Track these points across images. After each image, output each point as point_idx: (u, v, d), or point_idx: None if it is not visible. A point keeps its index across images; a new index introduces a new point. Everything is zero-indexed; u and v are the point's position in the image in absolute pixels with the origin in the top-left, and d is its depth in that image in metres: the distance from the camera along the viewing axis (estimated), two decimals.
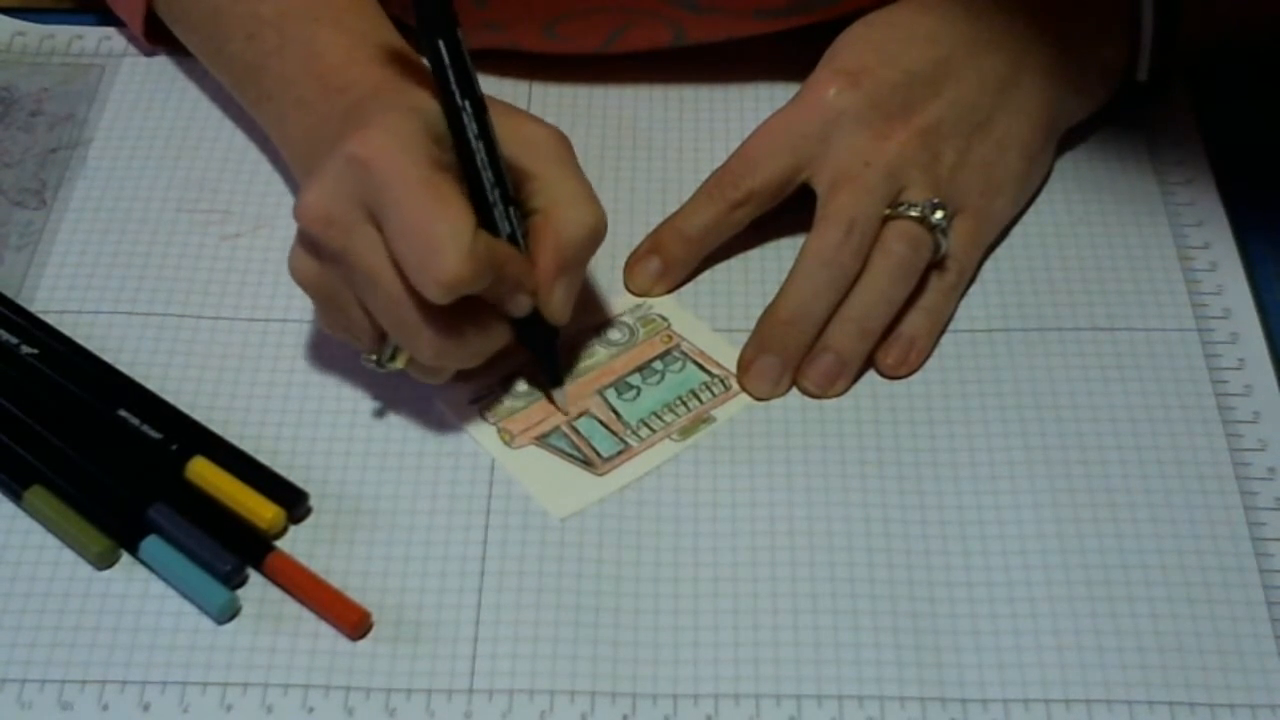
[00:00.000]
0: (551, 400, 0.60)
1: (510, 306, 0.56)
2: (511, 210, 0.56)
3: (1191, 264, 0.65)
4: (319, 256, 0.56)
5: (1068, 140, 0.68)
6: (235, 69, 0.65)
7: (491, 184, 0.55)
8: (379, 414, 0.60)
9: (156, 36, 0.72)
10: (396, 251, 0.53)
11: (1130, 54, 0.66)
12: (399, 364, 0.57)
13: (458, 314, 0.55)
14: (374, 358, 0.57)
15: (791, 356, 0.60)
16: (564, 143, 0.58)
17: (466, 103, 0.54)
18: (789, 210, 0.63)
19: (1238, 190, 0.67)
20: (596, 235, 0.57)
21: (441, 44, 0.54)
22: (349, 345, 0.59)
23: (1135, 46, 0.66)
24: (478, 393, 0.60)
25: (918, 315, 0.61)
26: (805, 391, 0.60)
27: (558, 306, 0.57)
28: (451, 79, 0.54)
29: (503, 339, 0.57)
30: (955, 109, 0.62)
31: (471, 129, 0.55)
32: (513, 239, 0.56)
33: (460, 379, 0.60)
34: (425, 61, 0.55)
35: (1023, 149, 0.64)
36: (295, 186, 0.68)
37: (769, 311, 0.61)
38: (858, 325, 0.60)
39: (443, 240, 0.52)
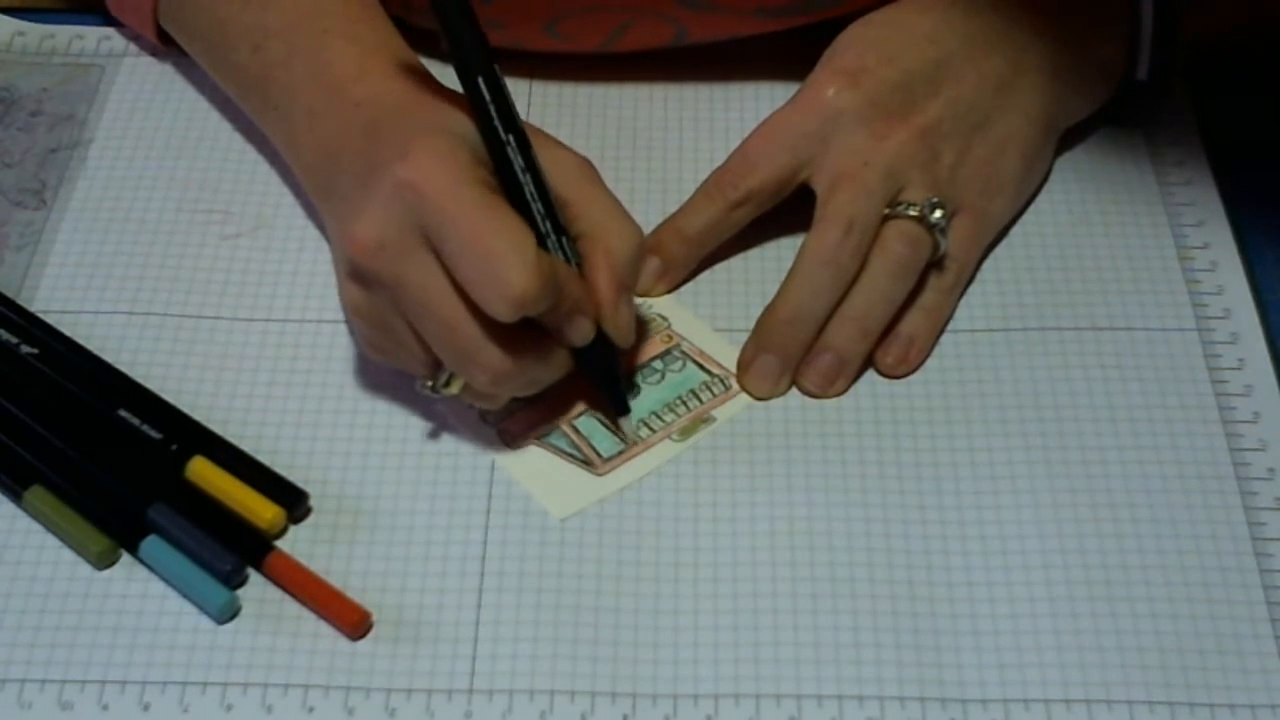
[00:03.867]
0: (618, 432, 0.59)
1: (571, 332, 0.56)
2: (564, 239, 0.56)
3: (1191, 264, 0.65)
4: (369, 285, 0.55)
5: (1067, 140, 0.68)
6: (240, 79, 0.65)
7: (542, 215, 0.55)
8: (379, 414, 0.60)
9: (167, 41, 0.72)
10: (459, 272, 0.53)
11: (1130, 53, 0.66)
12: (454, 389, 0.56)
13: (515, 340, 0.54)
14: (429, 384, 0.57)
15: (791, 356, 0.60)
16: (591, 166, 0.58)
17: (511, 137, 0.54)
18: (789, 210, 0.63)
19: (1238, 190, 0.67)
20: (642, 254, 0.58)
21: (481, 81, 0.54)
22: (394, 368, 0.58)
23: (1135, 46, 0.66)
24: None
25: (917, 315, 0.61)
26: (805, 391, 0.60)
27: (623, 326, 0.57)
28: (494, 114, 0.54)
29: (562, 368, 0.57)
30: (954, 109, 0.62)
31: (518, 162, 0.55)
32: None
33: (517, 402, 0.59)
34: (442, 75, 0.55)
35: (1022, 148, 0.64)
36: (297, 189, 0.68)
37: (768, 311, 0.61)
38: (858, 325, 0.60)
39: (508, 257, 0.52)
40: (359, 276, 0.55)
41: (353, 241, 0.54)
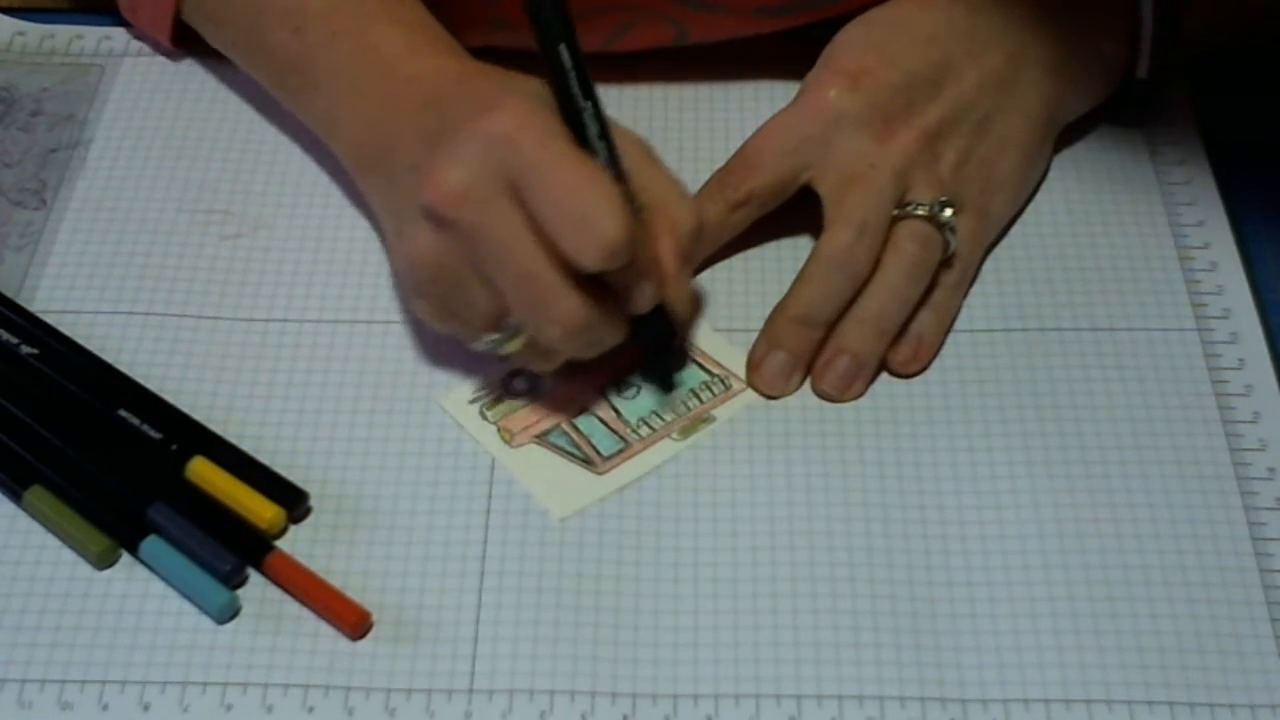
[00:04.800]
0: (663, 404, 0.60)
1: (637, 296, 0.56)
2: (632, 208, 0.56)
3: (1191, 264, 0.65)
4: (446, 235, 0.55)
5: (1067, 140, 0.68)
6: (278, 61, 0.65)
7: (614, 183, 0.55)
8: (379, 414, 0.60)
9: (178, 41, 0.72)
10: (548, 221, 0.53)
11: (1130, 51, 0.66)
12: (515, 346, 0.57)
13: (589, 295, 0.55)
14: (494, 336, 0.57)
15: (802, 355, 0.60)
16: (646, 144, 0.59)
17: (589, 104, 0.55)
18: (789, 211, 0.63)
19: (1238, 190, 0.67)
20: (700, 231, 0.58)
21: (563, 48, 0.55)
22: (451, 334, 0.59)
23: (1135, 43, 0.66)
24: (478, 392, 0.61)
25: (926, 313, 0.61)
26: (823, 395, 0.60)
27: (684, 296, 0.58)
28: (574, 81, 0.55)
29: (621, 334, 0.57)
30: (955, 109, 0.62)
31: (593, 129, 0.55)
32: None
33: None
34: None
35: (1022, 146, 0.64)
36: (297, 188, 0.68)
37: (779, 310, 0.61)
38: (873, 326, 0.60)
39: (602, 206, 0.53)
40: (436, 225, 0.55)
41: (437, 190, 0.54)
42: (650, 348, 0.60)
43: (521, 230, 0.54)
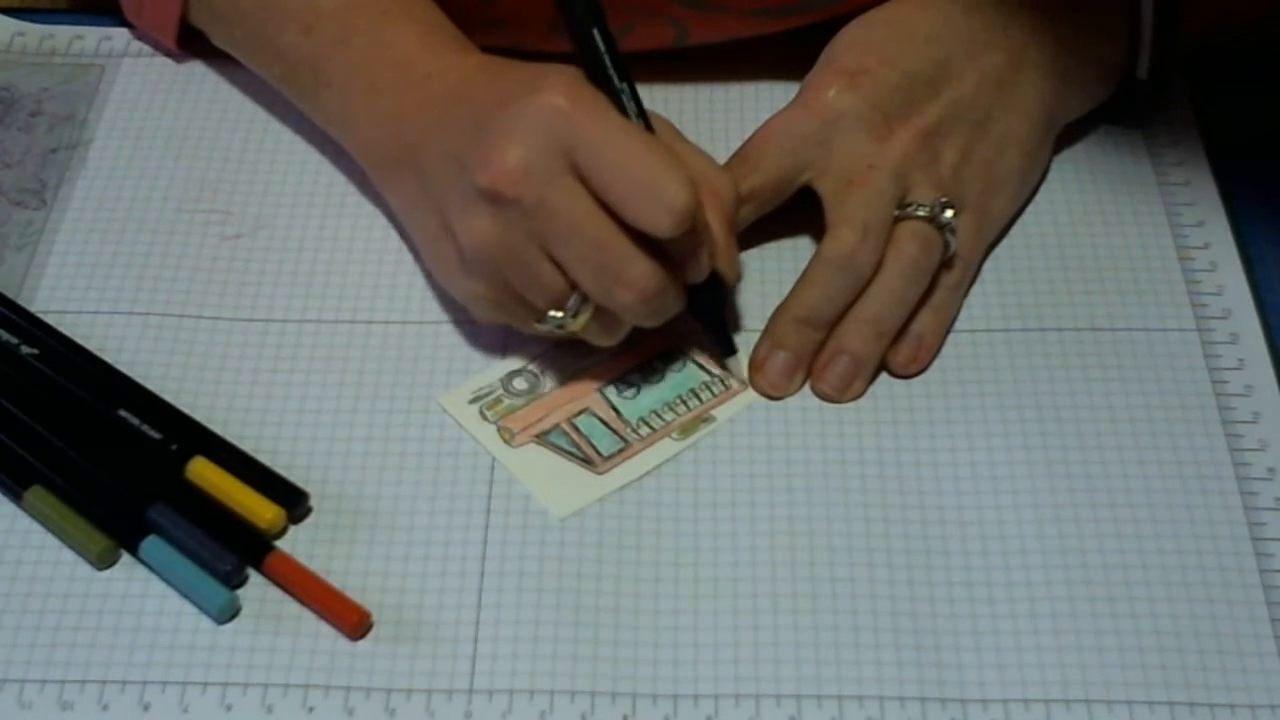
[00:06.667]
0: (725, 369, 0.61)
1: (695, 264, 0.57)
2: None
3: (1191, 264, 0.65)
4: (506, 214, 0.55)
5: (1067, 140, 0.68)
6: (289, 60, 0.65)
7: None
8: (379, 414, 0.60)
9: (183, 43, 0.72)
10: (614, 190, 0.54)
11: (1130, 51, 0.66)
12: (582, 321, 0.57)
13: (659, 263, 0.55)
14: (559, 314, 0.57)
15: (805, 354, 0.60)
16: (673, 124, 0.59)
17: (625, 85, 0.56)
18: (789, 210, 0.63)
19: (1238, 190, 0.67)
20: (739, 200, 0.60)
21: (596, 32, 0.56)
22: (506, 322, 0.59)
23: (1135, 44, 0.66)
24: (478, 392, 0.61)
25: (926, 314, 0.61)
26: (822, 395, 0.60)
27: (734, 263, 0.59)
28: (609, 64, 0.56)
29: (682, 302, 0.58)
30: (955, 109, 0.62)
31: (631, 108, 0.57)
32: None
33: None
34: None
35: (1022, 146, 0.64)
36: (297, 188, 0.68)
37: (781, 311, 0.61)
38: (873, 327, 0.60)
39: (669, 172, 0.54)
40: (495, 205, 0.55)
41: (496, 169, 0.55)
42: (706, 316, 0.61)
43: (587, 201, 0.54)
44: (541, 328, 0.58)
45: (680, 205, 0.54)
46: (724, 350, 0.61)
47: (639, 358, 0.62)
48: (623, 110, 0.56)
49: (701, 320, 0.61)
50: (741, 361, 0.61)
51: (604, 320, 0.58)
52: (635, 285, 0.55)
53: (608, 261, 0.55)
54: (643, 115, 0.57)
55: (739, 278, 0.60)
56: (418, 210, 0.61)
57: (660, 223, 0.54)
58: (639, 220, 0.54)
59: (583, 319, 0.57)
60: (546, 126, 0.54)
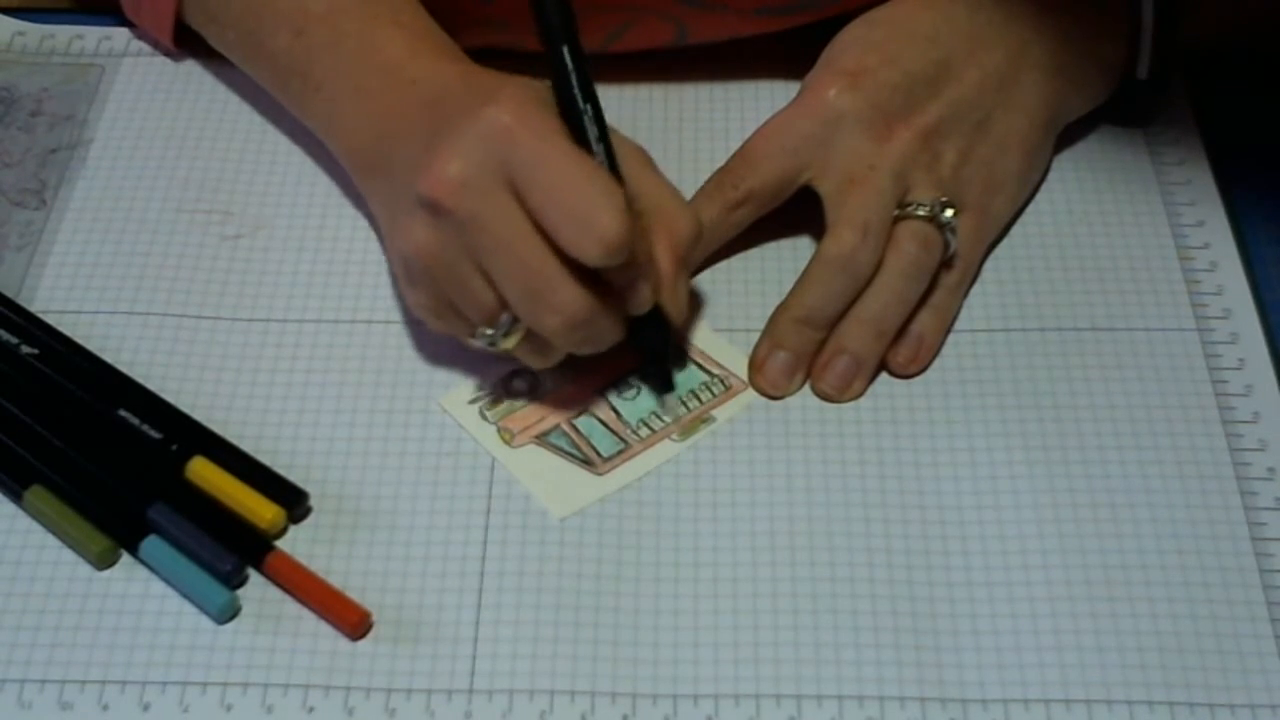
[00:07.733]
0: (661, 405, 0.60)
1: (635, 296, 0.56)
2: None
3: (1191, 264, 0.65)
4: (443, 225, 0.55)
5: (1067, 140, 0.68)
6: (279, 63, 0.65)
7: None
8: (379, 414, 0.60)
9: (180, 42, 0.72)
10: (548, 214, 0.53)
11: (1131, 51, 0.66)
12: (512, 342, 0.57)
13: (588, 289, 0.55)
14: (489, 332, 0.57)
15: (805, 354, 0.60)
16: (646, 153, 0.59)
17: (589, 106, 0.55)
18: (789, 210, 0.63)
19: (1238, 190, 0.67)
20: (699, 237, 0.58)
21: (566, 50, 0.55)
22: (447, 332, 0.59)
23: (1136, 44, 0.66)
24: (478, 392, 0.61)
25: (926, 313, 0.61)
26: (822, 395, 0.60)
27: (681, 301, 0.58)
28: (575, 83, 0.55)
29: (618, 333, 0.57)
30: (955, 108, 0.62)
31: (593, 132, 0.56)
32: None
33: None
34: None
35: (1022, 146, 0.64)
36: (296, 188, 0.68)
37: (782, 311, 0.61)
38: (873, 327, 0.60)
39: (602, 200, 0.53)
40: (433, 215, 0.55)
41: (434, 179, 0.54)
42: (646, 350, 0.60)
43: (520, 221, 0.54)
44: (474, 343, 0.57)
45: (611, 235, 0.52)
46: (661, 388, 0.60)
47: (639, 359, 0.61)
48: (581, 132, 0.55)
49: (640, 354, 0.60)
50: (676, 400, 0.60)
51: (535, 342, 0.57)
52: (563, 310, 0.54)
53: (535, 284, 0.54)
54: (605, 140, 0.56)
55: (683, 315, 0.59)
56: (384, 216, 0.61)
57: (589, 251, 0.53)
58: (568, 246, 0.53)
59: (514, 339, 0.57)
60: (488, 142, 0.54)
